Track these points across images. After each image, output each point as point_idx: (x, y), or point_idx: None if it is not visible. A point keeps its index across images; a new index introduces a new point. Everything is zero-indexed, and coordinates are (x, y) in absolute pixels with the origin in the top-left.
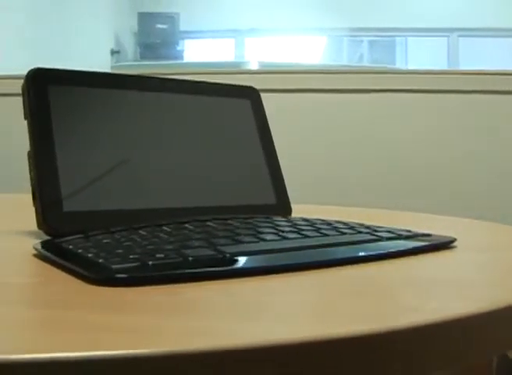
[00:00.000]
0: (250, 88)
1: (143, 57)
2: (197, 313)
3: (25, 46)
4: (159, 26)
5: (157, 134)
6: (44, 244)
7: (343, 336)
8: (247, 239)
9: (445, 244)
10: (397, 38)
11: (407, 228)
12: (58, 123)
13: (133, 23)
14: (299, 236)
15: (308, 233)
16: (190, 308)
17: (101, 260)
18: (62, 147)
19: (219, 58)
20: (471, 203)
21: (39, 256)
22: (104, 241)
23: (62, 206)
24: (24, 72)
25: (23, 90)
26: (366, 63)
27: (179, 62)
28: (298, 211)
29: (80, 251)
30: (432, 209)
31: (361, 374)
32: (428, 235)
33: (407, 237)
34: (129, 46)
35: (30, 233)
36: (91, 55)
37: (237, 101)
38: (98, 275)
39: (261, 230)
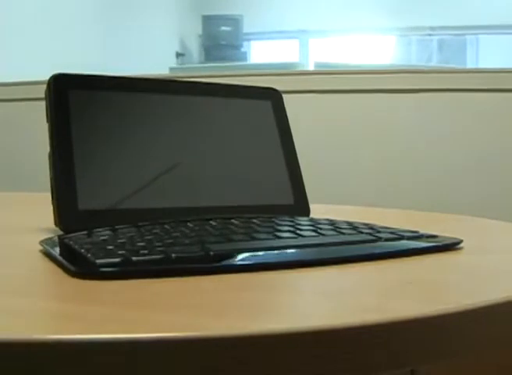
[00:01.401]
0: (272, 90)
1: (207, 59)
2: (155, 306)
3: (92, 50)
4: (223, 28)
5: (176, 135)
6: (48, 240)
7: (283, 332)
8: (239, 238)
9: (449, 246)
10: (468, 37)
11: (416, 229)
12: (76, 126)
13: (197, 26)
14: (293, 235)
15: (304, 232)
16: (151, 301)
17: (89, 255)
18: (80, 149)
19: (283, 59)
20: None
21: (43, 251)
22: (102, 237)
23: (77, 205)
24: None
25: (45, 94)
26: (435, 63)
27: (238, 63)
28: (321, 211)
29: (76, 246)
30: (473, 209)
31: (308, 369)
32: (434, 236)
33: (409, 238)
34: (194, 48)
35: (48, 230)
36: (157, 57)
37: (258, 103)
38: (79, 268)
39: (258, 229)
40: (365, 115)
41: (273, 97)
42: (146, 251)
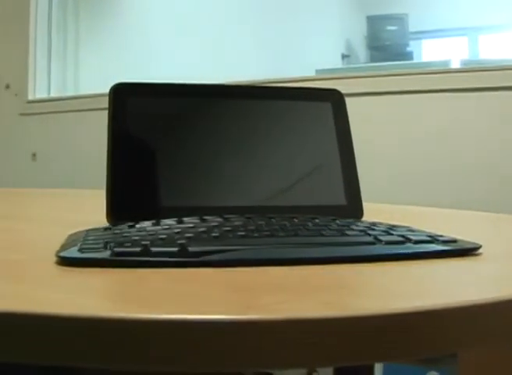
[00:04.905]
0: (333, 91)
1: (373, 60)
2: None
3: (257, 52)
4: (389, 28)
5: (232, 138)
6: (74, 233)
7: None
8: (229, 235)
9: (460, 252)
10: None
11: (441, 232)
12: (133, 131)
13: (363, 27)
14: (289, 234)
15: (304, 232)
16: (95, 288)
17: (79, 246)
18: (134, 151)
19: (451, 57)
20: None
21: None
22: (116, 231)
23: (126, 202)
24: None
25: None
26: None
27: (391, 63)
28: (375, 211)
29: (82, 239)
30: None
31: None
32: (453, 241)
33: (418, 242)
34: (361, 50)
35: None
36: (322, 59)
37: (318, 105)
38: (60, 257)
39: (261, 226)
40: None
41: (334, 98)
42: (130, 244)
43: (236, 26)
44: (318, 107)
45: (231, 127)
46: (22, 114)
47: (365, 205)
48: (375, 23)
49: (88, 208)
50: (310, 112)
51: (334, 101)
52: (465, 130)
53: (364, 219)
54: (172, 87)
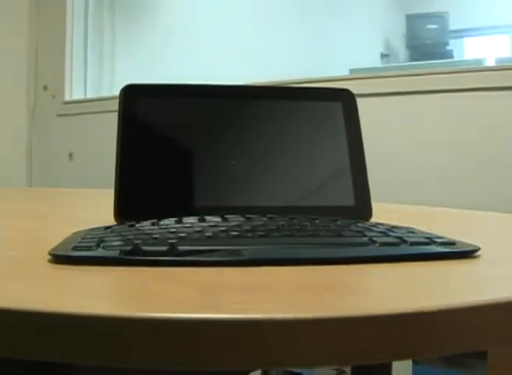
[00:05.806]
0: (344, 91)
1: (412, 59)
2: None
3: (296, 51)
4: (428, 26)
5: (242, 138)
6: (76, 232)
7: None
8: (223, 235)
9: (461, 254)
10: None
11: (446, 233)
12: (142, 132)
13: (402, 26)
14: (284, 234)
15: (300, 232)
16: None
17: (74, 244)
18: (142, 152)
19: (486, 55)
20: None
21: None
22: (114, 230)
23: (132, 202)
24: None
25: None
26: None
27: (427, 61)
28: (386, 211)
29: (79, 238)
30: None
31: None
32: (451, 243)
33: (414, 244)
34: (401, 49)
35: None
36: (361, 58)
37: (329, 104)
38: (52, 255)
39: (257, 227)
40: None
41: (345, 98)
42: (122, 243)
43: (274, 26)
44: (329, 107)
45: (240, 127)
46: (59, 115)
47: (378, 206)
48: (414, 22)
49: (107, 208)
50: (320, 112)
51: (345, 100)
52: (492, 130)
53: (372, 219)
54: (182, 88)
